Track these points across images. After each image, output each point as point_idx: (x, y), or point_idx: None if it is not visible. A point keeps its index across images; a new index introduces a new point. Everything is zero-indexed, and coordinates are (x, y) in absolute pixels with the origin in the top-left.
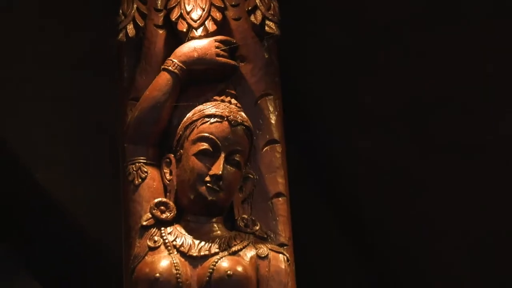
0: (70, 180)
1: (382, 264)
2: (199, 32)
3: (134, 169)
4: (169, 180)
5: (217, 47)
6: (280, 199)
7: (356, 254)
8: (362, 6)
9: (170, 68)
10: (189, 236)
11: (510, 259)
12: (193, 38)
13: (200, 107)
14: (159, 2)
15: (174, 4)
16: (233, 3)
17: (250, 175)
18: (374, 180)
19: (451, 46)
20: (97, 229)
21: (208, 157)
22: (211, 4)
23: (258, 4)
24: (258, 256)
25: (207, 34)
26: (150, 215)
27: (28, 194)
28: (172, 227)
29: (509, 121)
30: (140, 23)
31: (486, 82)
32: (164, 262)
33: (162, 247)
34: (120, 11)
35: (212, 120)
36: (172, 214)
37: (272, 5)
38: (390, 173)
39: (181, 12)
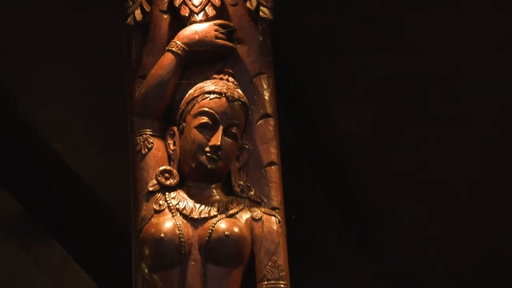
0: (86, 150)
1: (364, 223)
2: (200, 16)
3: (141, 140)
4: (172, 150)
5: (216, 30)
6: (272, 167)
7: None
8: None
9: (173, 49)
10: (190, 200)
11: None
12: (195, 22)
13: (200, 84)
14: None
15: None
16: None
17: (245, 146)
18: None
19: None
20: (109, 195)
21: (208, 129)
22: None
23: None
24: (253, 219)
25: (207, 19)
26: (156, 182)
27: (47, 164)
28: (175, 192)
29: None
30: (147, 8)
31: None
32: (168, 223)
33: (167, 210)
34: None
35: (212, 96)
36: (175, 180)
37: None
38: (375, 141)
39: None
